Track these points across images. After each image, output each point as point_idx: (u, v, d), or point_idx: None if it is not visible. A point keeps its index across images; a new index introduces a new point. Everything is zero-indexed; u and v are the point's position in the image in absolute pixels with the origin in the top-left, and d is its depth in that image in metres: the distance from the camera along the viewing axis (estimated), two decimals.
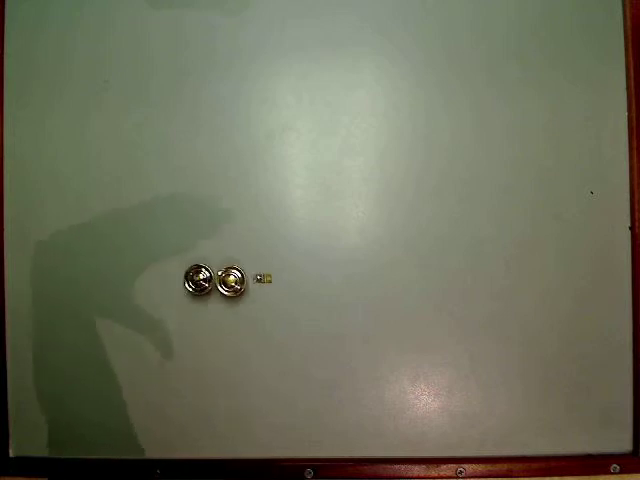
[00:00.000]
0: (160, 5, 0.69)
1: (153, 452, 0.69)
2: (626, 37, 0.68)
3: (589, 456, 0.68)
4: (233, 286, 0.67)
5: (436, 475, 0.67)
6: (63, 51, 0.69)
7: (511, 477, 0.67)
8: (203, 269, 0.67)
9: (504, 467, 0.67)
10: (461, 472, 0.67)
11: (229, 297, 0.68)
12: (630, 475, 0.67)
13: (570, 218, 0.68)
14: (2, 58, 0.69)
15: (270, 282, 0.68)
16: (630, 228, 0.68)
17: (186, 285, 0.67)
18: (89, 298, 0.69)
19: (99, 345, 0.69)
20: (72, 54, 0.69)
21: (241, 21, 0.69)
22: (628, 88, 0.68)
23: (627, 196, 0.68)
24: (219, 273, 0.67)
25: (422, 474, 0.67)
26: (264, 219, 0.68)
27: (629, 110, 0.68)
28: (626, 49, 0.68)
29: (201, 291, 0.67)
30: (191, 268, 0.67)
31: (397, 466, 0.68)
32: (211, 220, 0.68)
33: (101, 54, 0.69)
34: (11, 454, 0.70)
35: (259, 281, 0.67)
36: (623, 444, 0.68)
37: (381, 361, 0.68)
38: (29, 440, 0.70)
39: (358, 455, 0.68)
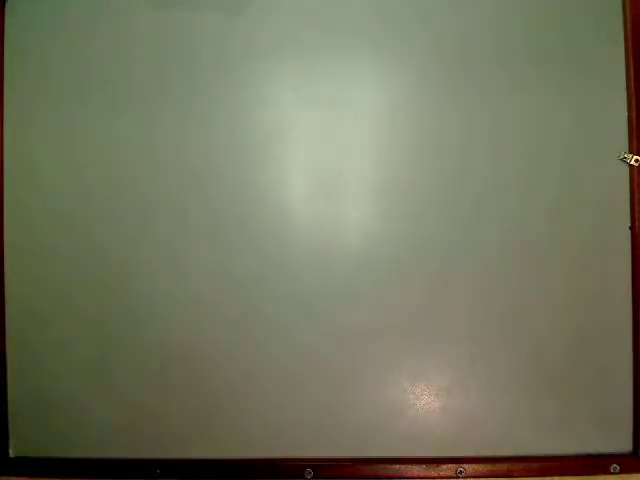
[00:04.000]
0: (152, 4, 0.69)
1: (153, 452, 0.69)
2: (626, 37, 0.68)
3: (589, 456, 0.68)
4: None
5: (436, 475, 0.67)
6: (50, 51, 0.69)
7: (511, 477, 0.67)
8: None
9: (504, 467, 0.67)
10: (461, 472, 0.67)
11: None
12: (630, 475, 0.67)
13: (570, 218, 0.68)
14: (2, 58, 0.69)
15: None
16: (630, 228, 0.68)
17: None
18: (89, 297, 0.69)
19: (99, 344, 0.69)
20: (66, 54, 0.69)
21: (241, 21, 0.69)
22: (628, 88, 0.68)
23: (627, 196, 0.68)
24: None
25: (422, 474, 0.67)
26: (264, 220, 0.68)
27: (629, 110, 0.68)
28: (626, 49, 0.68)
29: None
30: None
31: (397, 466, 0.67)
32: (208, 222, 0.68)
33: (90, 54, 0.69)
34: (11, 454, 0.70)
35: None
36: (623, 444, 0.68)
37: (381, 361, 0.68)
38: (29, 440, 0.70)
39: (358, 455, 0.68)
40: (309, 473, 0.67)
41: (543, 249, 0.68)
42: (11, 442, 0.70)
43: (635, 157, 0.58)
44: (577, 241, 0.68)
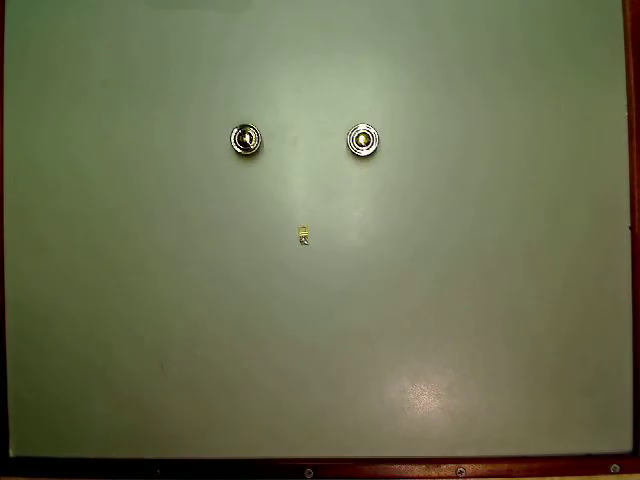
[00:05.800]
0: (152, 4, 0.69)
1: (153, 452, 0.69)
2: (626, 37, 0.68)
3: (589, 456, 0.68)
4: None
5: (436, 475, 0.67)
6: (50, 50, 0.69)
7: (511, 477, 0.67)
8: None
9: (504, 467, 0.67)
10: (461, 472, 0.67)
11: None
12: (630, 475, 0.67)
13: (570, 218, 0.68)
14: (2, 58, 0.69)
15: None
16: (630, 228, 0.68)
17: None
18: (89, 297, 0.69)
19: (99, 344, 0.69)
20: (60, 53, 0.69)
21: (240, 21, 0.69)
22: (628, 88, 0.68)
23: (627, 196, 0.68)
24: None
25: (422, 474, 0.67)
26: (263, 219, 0.68)
27: (629, 110, 0.68)
28: (626, 49, 0.68)
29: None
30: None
31: (397, 466, 0.67)
32: (207, 221, 0.68)
33: (90, 53, 0.69)
34: (11, 454, 0.70)
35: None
36: (623, 444, 0.68)
37: (381, 361, 0.68)
38: (29, 440, 0.70)
39: (358, 455, 0.68)
40: (309, 473, 0.67)
41: (543, 249, 0.68)
42: (11, 442, 0.70)
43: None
44: (577, 241, 0.68)
